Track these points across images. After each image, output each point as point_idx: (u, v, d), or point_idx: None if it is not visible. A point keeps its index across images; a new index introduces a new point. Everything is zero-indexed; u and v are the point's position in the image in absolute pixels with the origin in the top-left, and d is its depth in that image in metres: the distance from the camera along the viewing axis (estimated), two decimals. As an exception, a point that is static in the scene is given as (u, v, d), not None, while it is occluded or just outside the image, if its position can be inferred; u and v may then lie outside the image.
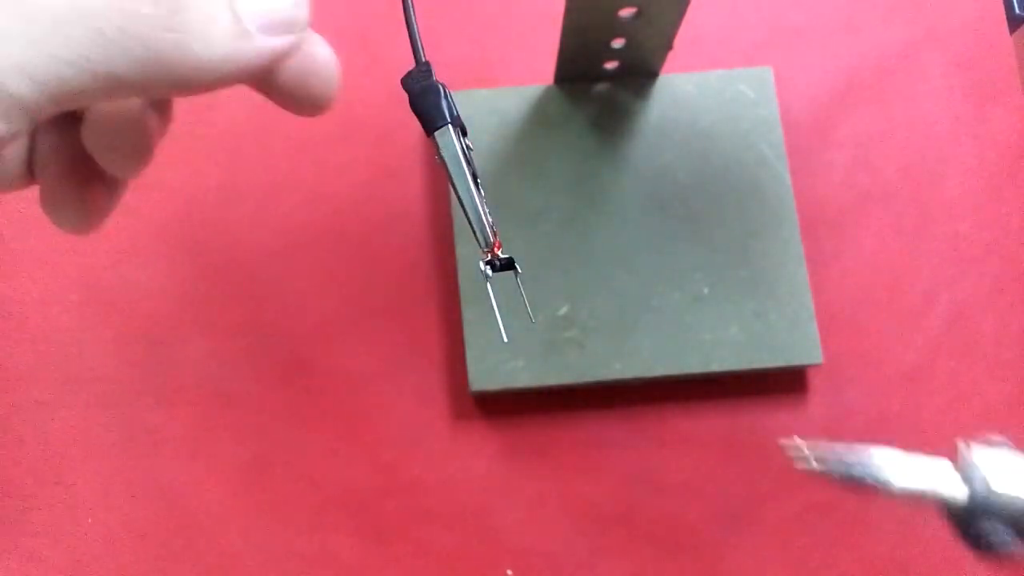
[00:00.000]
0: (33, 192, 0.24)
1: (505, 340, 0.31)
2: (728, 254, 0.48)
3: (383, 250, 0.51)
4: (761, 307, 0.48)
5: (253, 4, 0.21)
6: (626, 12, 0.42)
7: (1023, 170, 0.52)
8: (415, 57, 0.31)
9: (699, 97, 0.51)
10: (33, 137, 0.23)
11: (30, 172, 0.24)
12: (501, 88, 0.51)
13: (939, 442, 0.49)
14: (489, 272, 0.31)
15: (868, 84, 0.53)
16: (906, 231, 0.51)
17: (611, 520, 0.48)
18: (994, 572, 0.47)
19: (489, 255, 0.31)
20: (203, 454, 0.48)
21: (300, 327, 0.50)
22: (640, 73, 0.50)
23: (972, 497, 0.30)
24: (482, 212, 0.31)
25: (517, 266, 0.31)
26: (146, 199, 0.51)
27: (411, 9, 0.31)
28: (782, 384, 0.49)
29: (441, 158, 0.31)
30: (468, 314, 0.47)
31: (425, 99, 0.31)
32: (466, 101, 0.50)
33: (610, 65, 0.49)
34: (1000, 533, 0.29)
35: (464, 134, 0.32)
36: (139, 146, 0.25)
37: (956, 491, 0.30)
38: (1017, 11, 0.28)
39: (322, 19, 0.58)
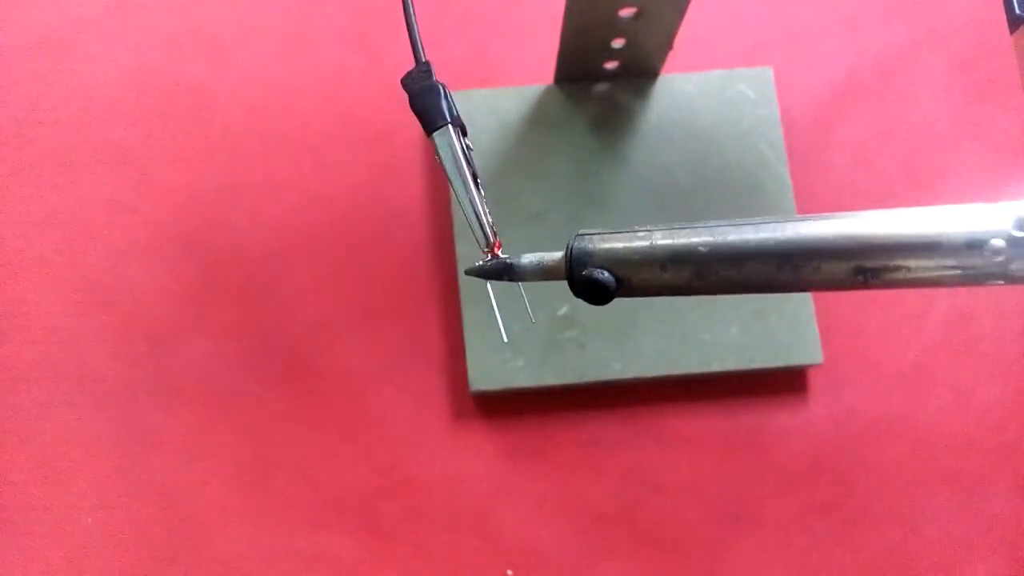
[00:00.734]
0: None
1: (505, 340, 0.31)
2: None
3: (383, 250, 0.51)
4: (761, 307, 0.48)
5: None
6: (626, 12, 0.42)
7: (1023, 170, 0.52)
8: (415, 57, 0.31)
9: (699, 97, 0.51)
10: None
11: None
12: (501, 88, 0.51)
13: (939, 442, 0.49)
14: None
15: (868, 84, 0.53)
16: (906, 231, 0.51)
17: (611, 520, 0.48)
18: (994, 571, 0.47)
19: (489, 255, 0.31)
20: (203, 454, 0.48)
21: (300, 327, 0.50)
22: (640, 73, 0.50)
23: None
24: (482, 212, 0.31)
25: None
26: (146, 199, 0.51)
27: (411, 9, 0.31)
28: (782, 384, 0.49)
29: (441, 158, 0.31)
30: (468, 314, 0.47)
31: (425, 99, 0.31)
32: (466, 101, 0.50)
33: (610, 65, 0.49)
34: None
35: (464, 134, 0.32)
36: None
37: None
38: (1017, 11, 0.28)
39: (322, 19, 0.58)
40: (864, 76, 0.53)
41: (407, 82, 0.31)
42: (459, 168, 0.31)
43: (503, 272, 0.30)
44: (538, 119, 0.50)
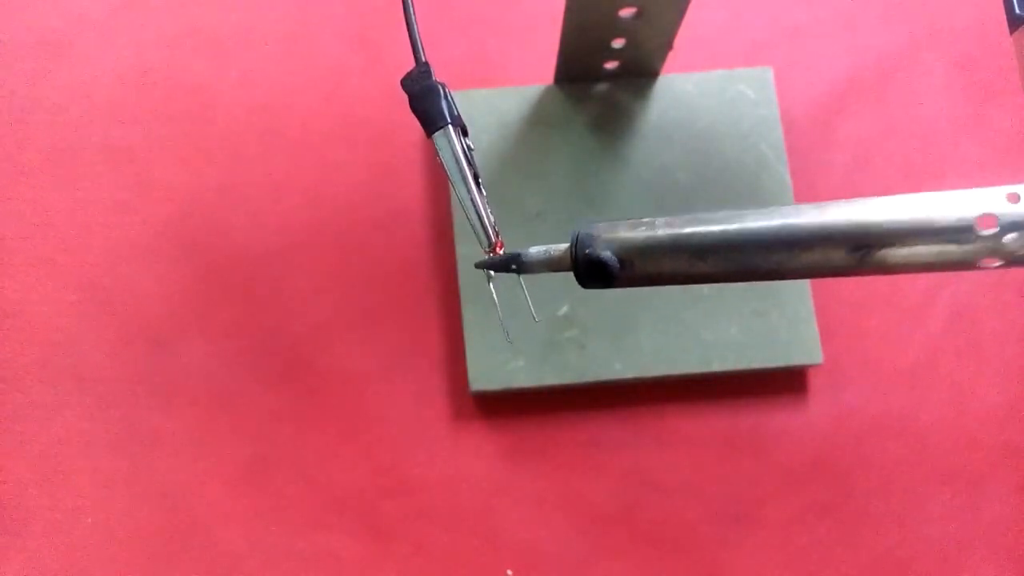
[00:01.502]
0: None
1: (509, 341, 0.31)
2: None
3: (383, 250, 0.51)
4: (761, 307, 0.48)
5: None
6: (626, 12, 0.42)
7: (1023, 170, 0.52)
8: (415, 57, 0.31)
9: (699, 97, 0.51)
10: None
11: None
12: (501, 88, 0.51)
13: (939, 442, 0.49)
14: (491, 272, 0.32)
15: (868, 84, 0.53)
16: (906, 231, 0.51)
17: (611, 520, 0.48)
18: (995, 571, 0.47)
19: (491, 255, 0.31)
20: (203, 454, 0.48)
21: (300, 327, 0.50)
22: (640, 73, 0.50)
23: None
24: (483, 212, 0.31)
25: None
26: (146, 199, 0.51)
27: (411, 9, 0.31)
28: (782, 384, 0.49)
29: (442, 159, 0.31)
30: (468, 314, 0.47)
31: (425, 99, 0.31)
32: (466, 101, 0.50)
33: (610, 65, 0.49)
34: None
35: (465, 134, 0.32)
36: None
37: None
38: (1017, 11, 0.28)
39: (322, 19, 0.58)
40: (864, 76, 0.54)
41: (407, 83, 0.31)
42: (460, 168, 0.31)
43: (511, 263, 0.30)
44: (538, 119, 0.50)
